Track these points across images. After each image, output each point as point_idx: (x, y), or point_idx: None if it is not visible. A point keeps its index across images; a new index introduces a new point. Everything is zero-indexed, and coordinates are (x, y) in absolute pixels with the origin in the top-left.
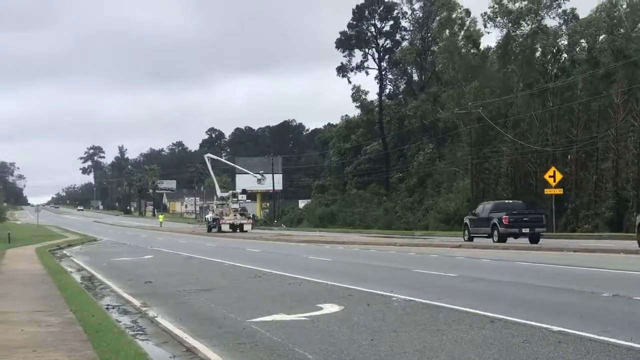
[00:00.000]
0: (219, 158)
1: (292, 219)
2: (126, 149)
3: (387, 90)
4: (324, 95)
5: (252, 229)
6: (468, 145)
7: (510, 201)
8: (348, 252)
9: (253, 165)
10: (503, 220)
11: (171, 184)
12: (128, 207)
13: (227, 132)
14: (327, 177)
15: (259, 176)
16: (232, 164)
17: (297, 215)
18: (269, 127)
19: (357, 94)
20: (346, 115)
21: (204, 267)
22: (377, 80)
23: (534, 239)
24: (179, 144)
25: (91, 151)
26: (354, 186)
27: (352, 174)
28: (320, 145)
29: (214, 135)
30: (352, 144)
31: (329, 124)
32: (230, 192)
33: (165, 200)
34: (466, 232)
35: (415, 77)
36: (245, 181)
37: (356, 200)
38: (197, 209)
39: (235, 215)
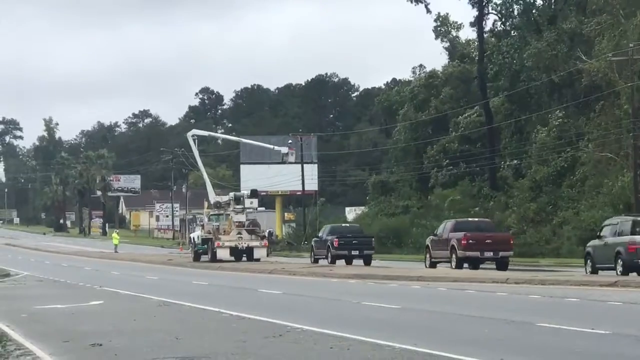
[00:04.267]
0: (212, 133)
1: None
2: (57, 124)
3: (492, 24)
4: (386, 33)
5: (268, 255)
6: (628, 115)
7: (347, 224)
8: (428, 295)
9: (265, 151)
10: (334, 243)
11: (133, 181)
12: (62, 221)
13: (228, 96)
14: (394, 169)
15: (284, 149)
16: (235, 138)
17: None
18: (292, 85)
19: (444, 29)
20: (421, 65)
21: (189, 319)
22: (474, 7)
23: (366, 261)
24: (145, 114)
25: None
26: (440, 183)
27: (435, 163)
28: (380, 115)
29: (207, 101)
30: (433, 112)
31: (392, 80)
32: (232, 194)
33: (122, 208)
34: (312, 254)
35: (539, 0)
36: (256, 176)
37: (443, 206)
38: (177, 222)
39: (239, 234)
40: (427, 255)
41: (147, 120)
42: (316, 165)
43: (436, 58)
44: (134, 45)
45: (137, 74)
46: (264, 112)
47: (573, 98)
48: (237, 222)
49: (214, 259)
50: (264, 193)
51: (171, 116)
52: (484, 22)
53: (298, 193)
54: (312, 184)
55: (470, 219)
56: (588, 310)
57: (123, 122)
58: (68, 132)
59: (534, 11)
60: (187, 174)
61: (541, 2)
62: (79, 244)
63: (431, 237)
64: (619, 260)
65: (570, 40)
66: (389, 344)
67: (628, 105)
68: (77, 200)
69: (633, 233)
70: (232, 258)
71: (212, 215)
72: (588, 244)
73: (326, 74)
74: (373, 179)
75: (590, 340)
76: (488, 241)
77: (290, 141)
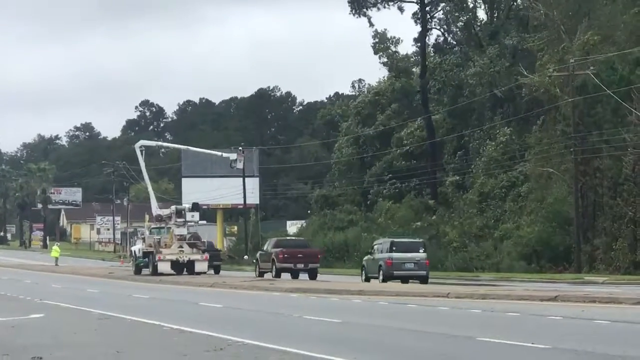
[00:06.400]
0: (160, 143)
1: None
2: None
3: (434, 39)
4: (328, 48)
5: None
6: (567, 129)
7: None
8: (369, 309)
9: (207, 164)
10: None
11: (74, 194)
12: (2, 234)
13: (172, 109)
14: (336, 183)
15: (233, 155)
16: (183, 146)
17: None
18: (236, 98)
19: (383, 44)
20: (360, 80)
21: (130, 333)
22: (417, 22)
23: (215, 271)
24: (87, 127)
25: None
26: (384, 197)
27: (378, 177)
28: (323, 128)
29: (148, 114)
30: (380, 127)
31: (335, 94)
32: (173, 207)
33: (63, 220)
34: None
35: (481, 15)
36: (198, 189)
37: (388, 219)
38: (118, 235)
39: (180, 247)
40: (257, 267)
41: (89, 133)
42: (258, 178)
43: (377, 72)
44: (88, 58)
45: (85, 86)
46: (206, 126)
47: (515, 113)
48: (178, 235)
49: (155, 272)
50: (206, 206)
51: (115, 129)
52: (426, 38)
53: (239, 206)
54: (253, 198)
55: (288, 238)
56: (528, 324)
57: (64, 135)
58: (9, 145)
59: (474, 27)
60: (128, 187)
61: (483, 18)
62: (19, 257)
63: (260, 252)
64: (381, 271)
65: (512, 55)
66: (330, 358)
67: (567, 121)
68: (17, 212)
69: (391, 251)
70: (174, 272)
71: (153, 228)
72: (364, 259)
73: (269, 87)
74: (316, 193)
75: (530, 354)
76: (300, 255)
77: (240, 148)
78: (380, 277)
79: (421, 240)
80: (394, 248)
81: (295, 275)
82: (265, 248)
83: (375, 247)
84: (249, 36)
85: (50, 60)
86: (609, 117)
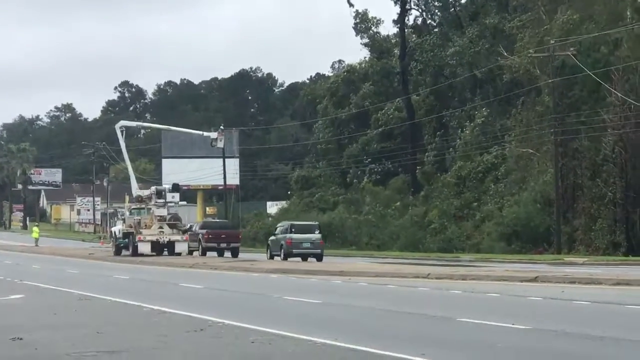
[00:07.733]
0: (140, 123)
1: (256, 233)
2: None
3: (413, 19)
4: (308, 29)
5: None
6: (547, 110)
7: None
8: (349, 289)
9: (187, 145)
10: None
11: (54, 174)
12: None
13: (151, 89)
14: (317, 165)
15: (214, 134)
16: (165, 126)
17: (264, 228)
18: (217, 79)
19: (364, 25)
20: (340, 61)
21: (111, 314)
22: (396, 2)
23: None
24: (68, 108)
25: None
26: (362, 179)
27: (356, 158)
28: (305, 109)
29: (127, 95)
30: (355, 108)
31: (317, 75)
32: (153, 188)
33: (44, 201)
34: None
35: None
36: (178, 170)
37: (367, 200)
38: (98, 216)
39: (160, 228)
40: (187, 246)
41: (70, 114)
42: (237, 159)
43: (359, 53)
44: (71, 38)
45: (68, 66)
46: (186, 107)
47: (495, 94)
48: (158, 216)
49: (135, 253)
50: (186, 187)
51: (96, 110)
52: (406, 18)
53: (220, 187)
54: (233, 179)
55: (212, 220)
56: (509, 305)
57: (45, 116)
58: None
59: (452, 9)
60: (108, 167)
61: None
62: None
63: (189, 232)
64: (282, 250)
65: (492, 36)
66: (310, 339)
67: (549, 100)
68: None
69: (290, 232)
70: (154, 253)
71: (133, 209)
72: (269, 239)
73: (250, 67)
74: (296, 174)
75: (511, 335)
76: (223, 236)
77: (222, 127)
78: (282, 255)
79: (316, 223)
80: (292, 230)
81: (220, 253)
82: (193, 229)
83: (278, 228)
84: (233, 17)
85: (33, 40)
86: (586, 99)
